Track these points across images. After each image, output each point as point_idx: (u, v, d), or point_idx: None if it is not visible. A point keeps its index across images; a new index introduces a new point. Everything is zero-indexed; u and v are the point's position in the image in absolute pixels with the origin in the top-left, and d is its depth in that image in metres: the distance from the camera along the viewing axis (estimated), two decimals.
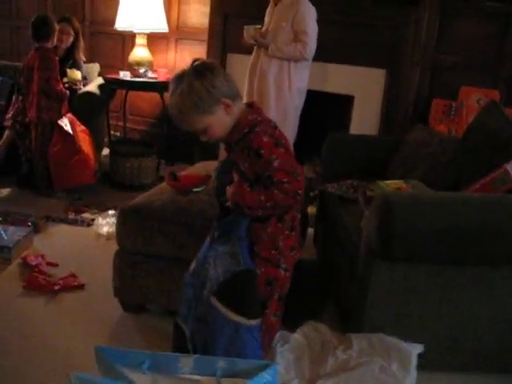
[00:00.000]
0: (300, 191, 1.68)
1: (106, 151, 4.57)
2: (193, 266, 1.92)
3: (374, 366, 1.90)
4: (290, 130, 3.40)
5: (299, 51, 3.25)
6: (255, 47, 3.47)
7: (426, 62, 3.90)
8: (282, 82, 3.35)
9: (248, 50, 3.84)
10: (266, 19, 3.45)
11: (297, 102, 3.43)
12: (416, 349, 1.95)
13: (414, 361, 1.92)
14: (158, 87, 4.22)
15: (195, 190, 2.40)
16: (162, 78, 4.29)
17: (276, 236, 1.79)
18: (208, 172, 2.61)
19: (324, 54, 3.62)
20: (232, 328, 1.67)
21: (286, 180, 1.65)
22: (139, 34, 4.35)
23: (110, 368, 1.20)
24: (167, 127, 4.43)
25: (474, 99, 3.77)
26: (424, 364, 1.93)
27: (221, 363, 1.24)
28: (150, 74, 4.27)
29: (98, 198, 3.75)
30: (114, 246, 2.95)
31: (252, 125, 1.72)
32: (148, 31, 4.34)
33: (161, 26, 4.31)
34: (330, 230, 2.72)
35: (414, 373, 1.90)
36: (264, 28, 3.40)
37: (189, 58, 4.46)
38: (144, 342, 2.20)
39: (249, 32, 3.33)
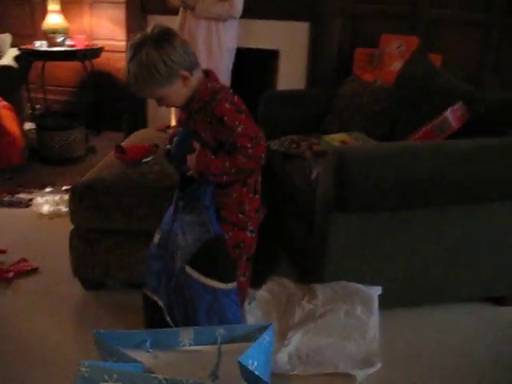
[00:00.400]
0: (263, 155, 1.71)
1: (27, 126, 4.39)
2: (157, 237, 1.93)
3: (339, 312, 2.02)
4: None
5: (227, 10, 3.22)
6: (181, 8, 3.40)
7: (346, 13, 3.98)
8: (212, 43, 3.33)
9: (170, 11, 3.76)
10: None
11: (227, 62, 3.43)
12: (376, 291, 2.09)
13: (376, 302, 2.06)
14: (80, 56, 4.06)
15: (144, 160, 2.38)
16: (80, 46, 4.14)
17: (242, 200, 1.84)
18: (154, 142, 2.60)
19: (247, 10, 3.60)
20: (211, 294, 1.70)
21: (249, 145, 1.68)
22: None
23: (112, 351, 1.21)
24: (93, 96, 4.29)
25: (394, 46, 3.90)
26: (383, 303, 2.06)
27: (220, 331, 1.29)
28: (68, 42, 4.09)
29: (30, 175, 3.63)
30: (59, 225, 2.94)
31: (212, 92, 1.73)
32: None
33: None
34: (277, 187, 2.79)
35: (376, 313, 2.04)
36: None
37: (106, 23, 4.37)
38: (111, 317, 2.20)
39: None
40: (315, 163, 2.31)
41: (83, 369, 1.13)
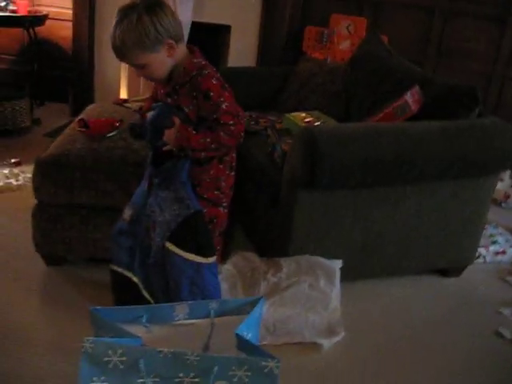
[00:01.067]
0: (242, 133, 1.77)
1: None
2: (128, 213, 1.93)
3: (303, 285, 2.11)
4: None
5: None
6: None
7: None
8: None
9: None
10: None
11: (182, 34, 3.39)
12: (337, 264, 2.20)
13: (338, 275, 2.17)
14: (23, 22, 3.90)
15: (109, 135, 2.36)
16: (23, 12, 3.95)
17: (218, 177, 1.89)
18: (115, 116, 2.57)
19: None
20: (193, 269, 1.74)
21: (231, 122, 1.72)
22: None
23: (109, 327, 1.23)
24: (35, 65, 4.13)
25: (343, 26, 4.00)
26: (343, 276, 2.18)
27: (213, 305, 1.34)
28: (10, 7, 3.91)
29: None
30: (12, 199, 2.88)
31: (199, 67, 1.75)
32: None
33: None
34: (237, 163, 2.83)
35: (338, 285, 2.15)
36: None
37: None
38: (76, 293, 2.20)
39: None
40: (279, 141, 2.37)
41: (87, 345, 1.15)
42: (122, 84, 4.19)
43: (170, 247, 1.75)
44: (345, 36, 3.99)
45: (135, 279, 1.90)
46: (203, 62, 1.79)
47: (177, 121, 1.75)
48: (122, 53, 1.70)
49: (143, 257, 1.87)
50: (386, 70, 2.73)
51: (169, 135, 1.75)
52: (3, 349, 1.87)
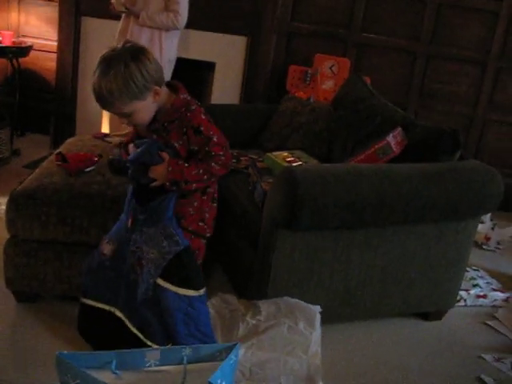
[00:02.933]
0: (231, 162, 1.84)
1: None
2: (109, 248, 1.92)
3: (282, 327, 2.06)
4: None
5: (171, 20, 3.20)
6: (123, 14, 3.34)
7: (282, 30, 4.07)
8: (153, 51, 3.20)
9: (106, 15, 3.69)
10: None
11: (167, 72, 3.39)
12: (317, 308, 2.15)
13: (318, 318, 2.12)
14: (7, 52, 3.88)
15: (87, 170, 2.32)
16: (7, 42, 3.95)
17: (202, 209, 1.93)
18: (94, 150, 2.54)
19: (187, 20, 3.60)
20: (186, 302, 1.77)
21: (222, 153, 1.80)
22: None
23: (76, 373, 1.18)
24: (17, 95, 4.10)
25: (327, 66, 4.03)
26: (323, 319, 2.12)
27: (186, 351, 1.29)
28: None
29: None
30: None
31: (186, 103, 1.80)
32: None
33: None
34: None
35: (318, 329, 2.10)
36: None
37: (36, 20, 4.20)
38: (48, 331, 2.13)
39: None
40: (260, 180, 2.35)
41: None
42: (103, 117, 4.16)
43: (162, 284, 1.76)
44: (328, 76, 4.02)
45: (119, 314, 1.89)
46: (188, 98, 1.83)
47: (166, 156, 1.78)
48: (108, 102, 1.70)
49: (129, 292, 1.85)
50: (368, 111, 2.74)
51: (157, 171, 1.78)
52: None
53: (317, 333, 2.10)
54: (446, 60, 4.03)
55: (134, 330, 1.83)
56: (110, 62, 1.66)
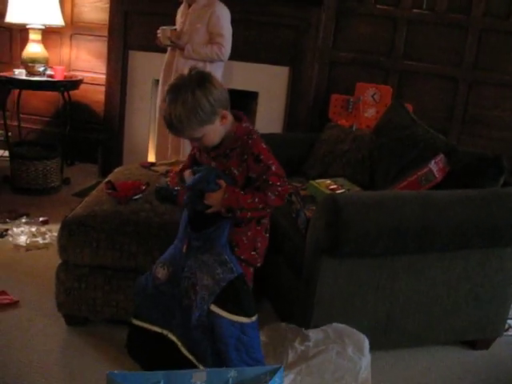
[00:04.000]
0: (287, 194, 1.87)
1: None
2: (163, 273, 1.96)
3: (331, 353, 2.05)
4: None
5: (216, 53, 3.31)
6: (169, 48, 3.47)
7: (324, 60, 4.14)
8: None
9: (152, 48, 3.83)
10: (180, 19, 3.45)
11: None
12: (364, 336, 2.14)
13: (367, 344, 2.10)
14: (59, 87, 4.06)
15: (135, 198, 2.40)
16: (59, 77, 4.13)
17: (255, 238, 1.95)
18: (142, 179, 2.62)
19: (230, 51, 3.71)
20: (238, 329, 1.79)
21: (279, 183, 1.81)
22: (33, 28, 4.12)
23: None
24: (68, 127, 4.27)
25: (368, 94, 4.07)
26: None
27: (231, 373, 1.32)
28: (48, 72, 4.08)
29: (3, 205, 3.55)
30: (37, 257, 2.91)
31: (248, 132, 1.85)
32: (43, 26, 4.12)
33: (56, 20, 4.12)
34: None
35: (368, 355, 2.08)
36: (178, 28, 3.41)
37: (86, 55, 4.40)
38: (97, 354, 2.18)
39: (165, 33, 3.33)
40: (303, 208, 2.38)
41: None
42: (150, 148, 4.29)
43: (215, 310, 1.80)
44: (370, 104, 4.05)
45: (172, 337, 1.94)
46: (250, 127, 1.88)
47: (223, 183, 1.82)
48: (178, 130, 1.78)
49: (183, 317, 1.89)
50: (410, 139, 2.75)
51: (213, 198, 1.82)
52: None
53: (366, 359, 2.08)
54: (488, 85, 4.01)
55: (187, 354, 1.87)
56: (177, 90, 1.74)
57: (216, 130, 1.81)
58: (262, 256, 2.00)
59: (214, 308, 1.80)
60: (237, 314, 1.80)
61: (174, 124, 1.75)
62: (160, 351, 1.95)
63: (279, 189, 1.81)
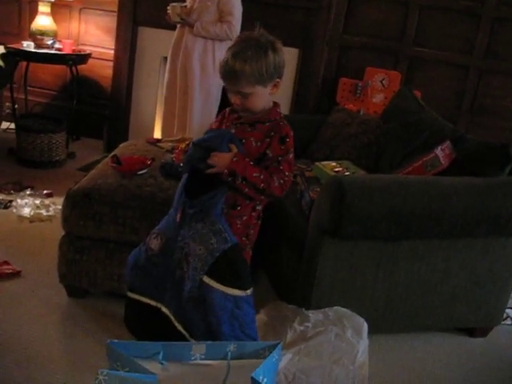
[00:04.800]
0: (287, 189, 1.84)
1: (4, 125, 4.36)
2: (156, 243, 1.93)
3: (330, 335, 2.05)
4: (212, 106, 3.47)
5: (225, 31, 3.29)
6: (179, 25, 3.45)
7: (334, 43, 4.11)
8: (207, 60, 3.38)
9: (161, 25, 3.81)
10: None
11: (219, 81, 3.47)
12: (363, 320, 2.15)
13: (366, 328, 2.10)
14: (67, 60, 4.05)
15: (139, 173, 2.41)
16: (67, 50, 4.12)
17: (249, 225, 1.92)
18: (148, 154, 2.62)
19: (241, 32, 3.68)
20: (232, 302, 1.75)
21: (287, 173, 1.81)
22: (42, 1, 4.10)
23: (126, 361, 1.23)
24: (75, 101, 4.27)
25: (377, 79, 4.04)
26: None
27: (231, 347, 1.33)
28: (56, 45, 4.07)
29: (8, 176, 3.56)
30: (40, 229, 2.92)
31: (281, 117, 1.88)
32: None
33: None
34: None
35: (366, 339, 2.08)
36: (188, 6, 3.38)
37: (95, 30, 4.38)
38: (96, 326, 2.20)
39: (175, 10, 3.31)
40: (307, 189, 2.38)
41: (101, 377, 1.15)
42: (156, 124, 4.28)
43: (208, 281, 1.76)
44: (378, 89, 4.03)
45: (165, 310, 1.91)
46: (282, 115, 1.90)
47: (234, 148, 1.80)
48: (235, 77, 1.76)
49: (175, 289, 1.86)
50: (417, 125, 2.74)
51: (220, 158, 1.78)
52: (19, 374, 1.87)
53: (364, 342, 2.08)
54: (499, 74, 3.97)
55: (179, 328, 1.85)
56: (250, 43, 1.76)
57: (264, 96, 1.82)
58: (253, 243, 1.97)
59: (206, 279, 1.75)
60: (231, 287, 1.75)
61: (234, 72, 1.75)
62: (154, 324, 1.92)
63: (285, 178, 1.80)
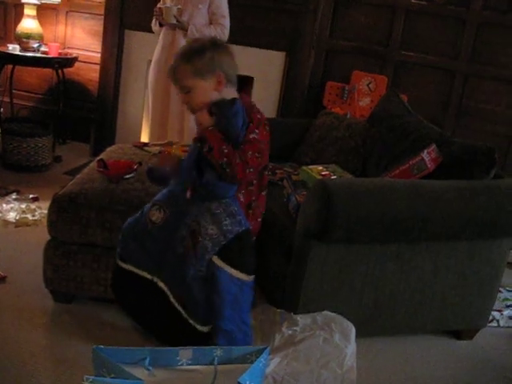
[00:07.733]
0: (239, 176, 1.81)
1: None
2: (159, 216, 1.91)
3: (317, 339, 2.06)
4: None
5: (219, 34, 3.29)
6: (168, 28, 3.42)
7: (321, 47, 4.12)
8: None
9: (148, 29, 3.78)
10: None
11: None
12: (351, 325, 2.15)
13: (353, 332, 2.11)
14: (53, 63, 4.03)
15: (126, 177, 2.40)
16: (54, 54, 4.09)
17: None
18: (134, 158, 2.61)
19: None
20: (237, 286, 1.77)
21: (250, 153, 1.81)
22: (28, 4, 4.08)
23: (112, 367, 1.22)
24: (61, 104, 4.24)
25: (364, 83, 4.06)
26: None
27: (218, 352, 1.32)
28: (42, 49, 4.04)
29: None
30: (26, 234, 2.90)
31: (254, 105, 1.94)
32: (38, 1, 4.07)
33: None
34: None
35: (353, 343, 2.09)
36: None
37: (82, 33, 4.36)
38: (82, 332, 2.18)
39: (171, 11, 3.28)
40: (294, 192, 2.38)
41: (87, 383, 1.14)
42: (143, 128, 4.27)
43: (217, 262, 1.76)
44: (365, 93, 4.05)
45: (161, 285, 1.89)
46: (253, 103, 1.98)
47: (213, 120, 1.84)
48: (176, 73, 1.84)
49: (176, 266, 1.84)
50: (404, 129, 2.75)
51: (205, 118, 1.84)
52: (4, 380, 1.85)
53: (352, 346, 2.08)
54: (484, 79, 4.00)
55: (177, 305, 1.82)
56: (192, 45, 1.85)
57: (206, 91, 1.82)
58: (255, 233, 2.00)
59: (216, 260, 1.75)
60: (239, 270, 1.77)
61: (174, 68, 1.82)
62: (148, 298, 1.90)
63: (247, 158, 1.79)
